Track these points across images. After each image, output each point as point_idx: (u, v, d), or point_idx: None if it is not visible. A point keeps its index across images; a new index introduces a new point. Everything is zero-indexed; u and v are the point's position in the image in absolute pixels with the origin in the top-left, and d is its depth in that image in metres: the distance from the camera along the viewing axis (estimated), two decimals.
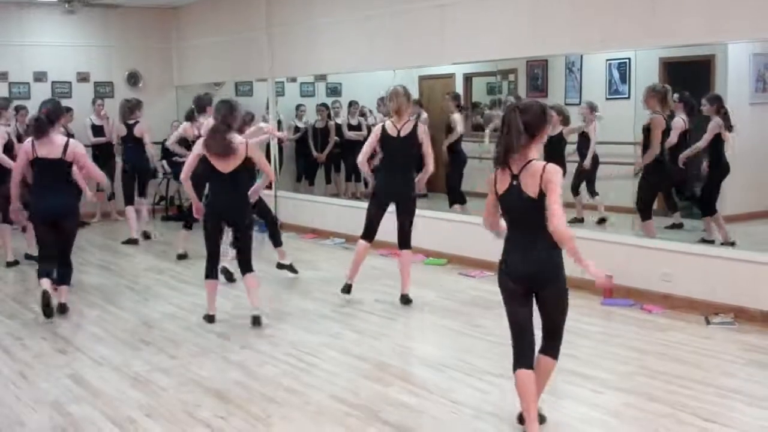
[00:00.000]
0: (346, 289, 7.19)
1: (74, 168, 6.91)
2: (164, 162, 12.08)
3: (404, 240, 7.00)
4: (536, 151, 4.02)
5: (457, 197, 10.14)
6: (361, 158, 6.98)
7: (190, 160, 6.46)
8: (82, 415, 4.69)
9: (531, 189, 3.91)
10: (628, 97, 8.67)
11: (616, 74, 9.17)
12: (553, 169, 3.91)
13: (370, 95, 11.47)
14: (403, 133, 6.82)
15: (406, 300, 7.04)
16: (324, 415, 4.63)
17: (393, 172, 6.91)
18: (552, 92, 9.96)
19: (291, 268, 8.21)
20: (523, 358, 4.05)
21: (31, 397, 5.02)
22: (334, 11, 10.27)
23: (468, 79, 11.49)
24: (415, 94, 11.43)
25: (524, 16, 7.88)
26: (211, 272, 6.56)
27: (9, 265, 8.94)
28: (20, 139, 11.23)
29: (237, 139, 6.34)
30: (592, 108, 8.99)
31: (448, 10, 8.68)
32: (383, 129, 6.89)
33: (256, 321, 6.46)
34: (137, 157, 10.16)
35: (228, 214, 6.50)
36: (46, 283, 6.70)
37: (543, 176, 3.88)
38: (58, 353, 5.92)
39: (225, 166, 6.30)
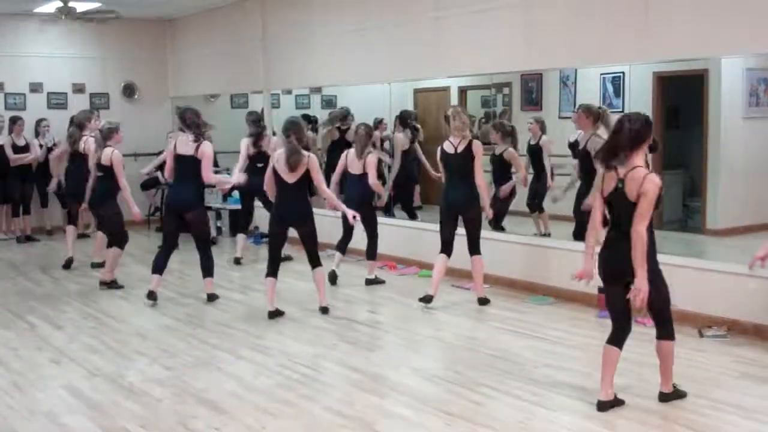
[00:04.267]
0: (426, 299, 7.32)
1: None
2: (159, 173, 12.07)
3: (472, 246, 7.31)
4: (640, 158, 4.47)
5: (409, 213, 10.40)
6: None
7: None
8: (76, 426, 4.69)
9: (631, 193, 4.40)
10: (622, 111, 8.71)
11: (610, 88, 9.21)
12: (651, 180, 4.38)
13: (366, 108, 11.49)
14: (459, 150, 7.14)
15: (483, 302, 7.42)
16: (319, 426, 4.64)
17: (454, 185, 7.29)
18: (546, 106, 10.01)
19: (376, 281, 8.36)
20: (614, 335, 4.77)
21: (25, 407, 5.01)
22: (330, 24, 10.31)
23: (463, 92, 11.53)
24: (410, 107, 11.53)
25: (519, 30, 7.92)
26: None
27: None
28: (15, 150, 11.34)
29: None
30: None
31: (443, 24, 8.72)
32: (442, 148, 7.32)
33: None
34: None
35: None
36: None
37: (642, 184, 4.37)
38: (53, 364, 5.91)
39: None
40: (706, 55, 6.85)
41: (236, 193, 10.65)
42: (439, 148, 7.39)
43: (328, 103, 12.88)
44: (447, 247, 7.34)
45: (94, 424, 4.70)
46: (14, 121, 11.51)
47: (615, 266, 4.62)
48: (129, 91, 13.50)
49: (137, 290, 8.24)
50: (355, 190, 8.13)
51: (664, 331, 4.75)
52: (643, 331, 6.48)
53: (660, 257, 7.09)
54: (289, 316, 7.20)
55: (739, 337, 6.21)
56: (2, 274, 9.28)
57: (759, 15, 6.06)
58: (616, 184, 4.48)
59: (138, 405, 5.01)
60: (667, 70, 8.16)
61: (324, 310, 7.15)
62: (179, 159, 7.41)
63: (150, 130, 12.21)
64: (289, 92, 12.66)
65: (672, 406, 4.80)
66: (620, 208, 4.51)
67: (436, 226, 9.31)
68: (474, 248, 7.31)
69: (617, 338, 4.75)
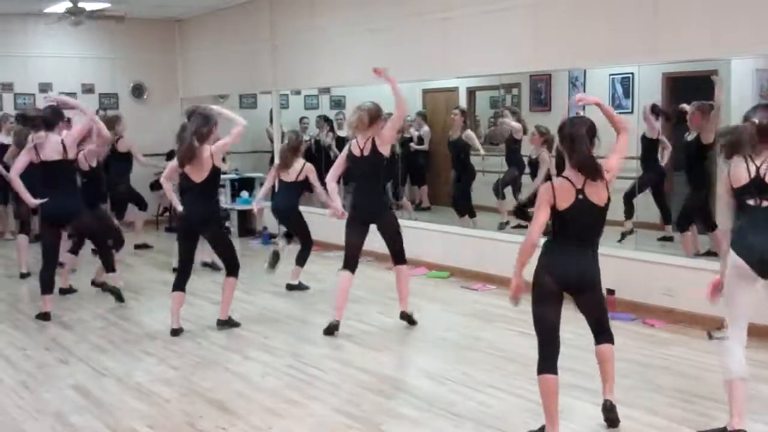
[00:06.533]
0: (330, 330, 6.51)
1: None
2: None
3: (398, 255, 6.65)
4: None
5: (467, 211, 10.15)
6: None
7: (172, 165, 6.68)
8: (84, 426, 4.70)
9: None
10: (631, 112, 8.69)
11: (619, 89, 9.19)
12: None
13: None
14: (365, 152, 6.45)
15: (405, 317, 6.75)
16: (325, 427, 4.64)
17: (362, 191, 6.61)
18: (555, 107, 10.00)
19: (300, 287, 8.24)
20: (548, 361, 4.31)
21: (33, 407, 5.04)
22: (338, 24, 10.32)
23: (472, 92, 11.53)
24: (419, 107, 11.52)
25: (528, 31, 7.91)
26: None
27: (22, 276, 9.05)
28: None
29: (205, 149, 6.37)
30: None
31: (451, 24, 8.72)
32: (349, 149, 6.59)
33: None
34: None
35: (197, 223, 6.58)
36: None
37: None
38: (61, 364, 5.93)
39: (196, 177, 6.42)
40: (715, 57, 6.82)
41: (244, 193, 10.69)
42: (346, 148, 6.68)
43: (337, 103, 12.90)
44: (352, 263, 6.56)
45: (102, 424, 4.72)
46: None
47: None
48: (138, 91, 13.55)
49: (146, 291, 8.28)
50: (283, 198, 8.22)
51: (605, 335, 4.61)
52: (649, 333, 6.48)
53: (669, 258, 7.16)
54: (295, 317, 7.21)
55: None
56: (11, 274, 9.31)
57: None
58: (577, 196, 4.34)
59: (146, 405, 5.03)
60: (677, 70, 8.13)
61: (221, 324, 6.74)
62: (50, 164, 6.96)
63: (159, 130, 12.24)
64: (298, 93, 12.68)
65: (678, 408, 4.79)
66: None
67: (444, 227, 9.36)
68: (399, 257, 6.62)
69: (552, 361, 4.37)
